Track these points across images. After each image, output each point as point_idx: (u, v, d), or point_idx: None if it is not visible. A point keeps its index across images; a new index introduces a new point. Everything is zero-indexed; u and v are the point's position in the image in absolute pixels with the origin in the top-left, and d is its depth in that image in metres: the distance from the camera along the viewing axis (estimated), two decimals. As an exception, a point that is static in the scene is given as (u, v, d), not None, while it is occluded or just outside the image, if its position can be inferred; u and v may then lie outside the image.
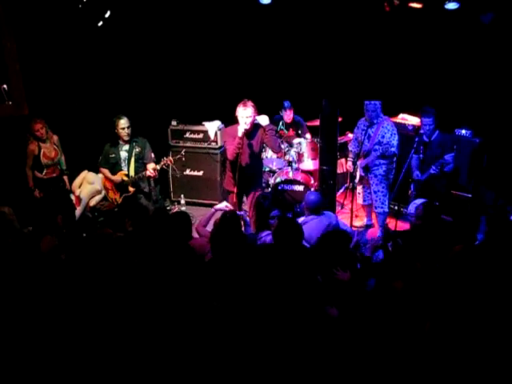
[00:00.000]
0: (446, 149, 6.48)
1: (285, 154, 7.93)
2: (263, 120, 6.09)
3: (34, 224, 6.12)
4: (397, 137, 6.71)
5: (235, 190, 6.32)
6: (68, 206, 7.01)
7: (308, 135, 8.31)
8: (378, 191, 6.92)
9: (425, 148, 6.57)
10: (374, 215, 7.42)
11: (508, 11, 6.41)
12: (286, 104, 8.23)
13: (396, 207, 7.15)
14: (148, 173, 6.50)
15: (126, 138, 6.54)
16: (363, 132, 6.83)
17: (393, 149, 6.70)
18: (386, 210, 6.99)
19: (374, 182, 6.94)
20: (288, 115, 8.30)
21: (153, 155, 6.65)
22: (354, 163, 6.93)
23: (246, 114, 5.92)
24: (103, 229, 4.82)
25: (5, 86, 6.92)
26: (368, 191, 7.16)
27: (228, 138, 6.21)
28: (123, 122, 6.49)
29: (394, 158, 6.88)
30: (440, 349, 3.30)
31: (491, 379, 3.17)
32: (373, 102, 6.72)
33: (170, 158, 6.69)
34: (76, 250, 4.58)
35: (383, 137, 6.71)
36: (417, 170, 6.76)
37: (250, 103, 5.96)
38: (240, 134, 5.93)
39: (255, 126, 6.11)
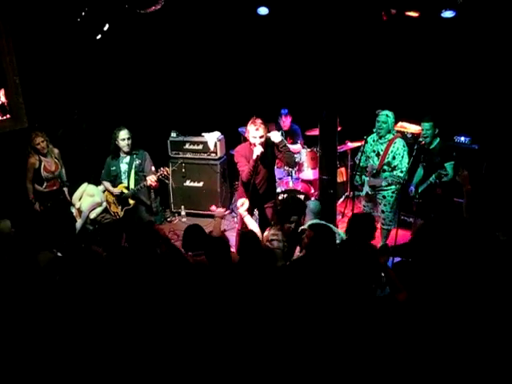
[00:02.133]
0: (446, 157, 6.37)
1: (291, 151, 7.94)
2: (275, 137, 5.94)
3: (33, 237, 6.10)
4: (407, 159, 6.45)
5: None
6: (68, 219, 7.00)
7: (298, 145, 8.28)
8: (387, 211, 6.78)
9: (425, 156, 6.53)
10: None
11: (505, 20, 6.45)
12: (283, 111, 8.24)
13: (396, 215, 7.13)
14: (149, 182, 6.47)
15: (127, 150, 6.53)
16: (371, 146, 6.66)
17: (401, 174, 6.41)
18: (394, 226, 6.84)
19: (382, 202, 6.78)
20: (284, 122, 8.29)
21: (153, 168, 6.64)
22: (360, 175, 6.85)
23: (258, 134, 5.75)
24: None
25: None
26: (372, 205, 7.11)
27: (240, 158, 6.03)
28: (123, 134, 6.48)
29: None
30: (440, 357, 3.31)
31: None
32: (385, 113, 6.49)
33: (167, 168, 6.66)
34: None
35: (394, 158, 6.50)
36: (413, 185, 6.66)
37: (259, 121, 5.79)
38: (255, 156, 5.76)
39: (267, 143, 5.93)
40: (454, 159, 6.37)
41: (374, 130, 6.64)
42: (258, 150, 5.75)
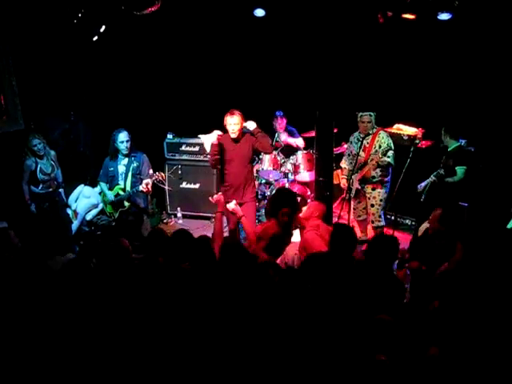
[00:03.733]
0: (458, 160, 6.39)
1: (281, 165, 7.93)
2: (250, 125, 6.15)
3: (29, 239, 6.08)
4: (392, 147, 6.66)
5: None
6: (64, 220, 6.99)
7: (300, 139, 8.29)
8: (376, 204, 6.87)
9: (444, 157, 6.57)
10: (369, 230, 7.40)
11: (502, 21, 6.45)
12: (278, 113, 8.22)
13: (393, 217, 7.13)
14: (141, 187, 6.48)
15: (125, 152, 6.51)
16: (357, 144, 6.77)
17: (388, 159, 6.59)
18: (383, 223, 6.95)
19: (370, 196, 6.90)
20: (279, 124, 8.27)
21: (151, 171, 6.64)
22: (349, 179, 6.88)
23: (233, 121, 6.03)
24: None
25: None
26: (363, 206, 7.13)
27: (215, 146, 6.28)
28: (122, 136, 6.46)
29: (390, 170, 6.83)
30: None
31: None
32: (367, 114, 6.72)
33: (162, 173, 6.65)
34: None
35: (380, 147, 6.66)
36: (424, 182, 6.70)
37: (236, 111, 6.06)
38: (215, 140, 6.08)
39: (243, 134, 6.18)
40: (467, 165, 6.39)
41: (355, 134, 6.95)
42: (215, 134, 6.10)
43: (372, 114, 6.75)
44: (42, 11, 6.73)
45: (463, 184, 6.45)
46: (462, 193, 6.57)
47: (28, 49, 6.89)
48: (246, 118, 6.10)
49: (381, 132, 6.79)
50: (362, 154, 6.80)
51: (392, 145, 6.69)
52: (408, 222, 7.36)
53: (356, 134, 6.97)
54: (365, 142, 6.77)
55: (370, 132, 6.76)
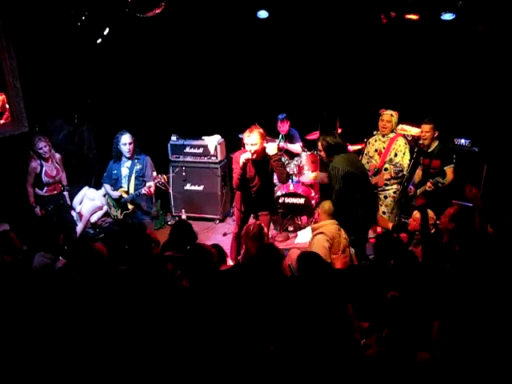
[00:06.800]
0: (445, 160, 6.38)
1: (285, 166, 7.92)
2: (270, 149, 5.85)
3: (31, 242, 6.09)
4: (409, 156, 6.47)
5: (242, 209, 6.27)
6: (69, 223, 7.00)
7: (298, 145, 8.25)
8: (388, 212, 6.74)
9: (424, 158, 6.53)
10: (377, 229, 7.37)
11: (505, 20, 6.45)
12: (280, 116, 8.17)
13: (397, 217, 7.12)
14: (143, 191, 6.48)
15: (128, 155, 6.53)
16: (373, 147, 6.69)
17: (404, 172, 6.40)
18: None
19: (383, 203, 6.76)
20: (281, 127, 8.21)
21: (154, 173, 6.64)
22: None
23: (250, 141, 5.70)
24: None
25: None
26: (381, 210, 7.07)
27: (236, 164, 5.96)
28: (125, 138, 6.48)
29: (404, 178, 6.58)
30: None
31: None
32: (389, 113, 6.55)
33: (164, 176, 6.65)
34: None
35: (396, 155, 6.53)
36: (412, 184, 6.63)
37: (256, 129, 5.72)
38: (241, 162, 5.75)
39: (265, 153, 5.87)
40: (453, 162, 6.36)
41: (375, 132, 6.72)
42: (243, 157, 5.75)
43: (393, 114, 6.54)
44: (46, 14, 6.75)
45: (457, 182, 6.42)
46: (456, 191, 6.55)
47: (32, 51, 6.90)
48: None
49: (399, 138, 6.59)
50: (377, 157, 6.68)
51: (408, 152, 6.50)
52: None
53: (376, 136, 6.77)
54: (381, 145, 6.64)
55: (386, 133, 6.58)
